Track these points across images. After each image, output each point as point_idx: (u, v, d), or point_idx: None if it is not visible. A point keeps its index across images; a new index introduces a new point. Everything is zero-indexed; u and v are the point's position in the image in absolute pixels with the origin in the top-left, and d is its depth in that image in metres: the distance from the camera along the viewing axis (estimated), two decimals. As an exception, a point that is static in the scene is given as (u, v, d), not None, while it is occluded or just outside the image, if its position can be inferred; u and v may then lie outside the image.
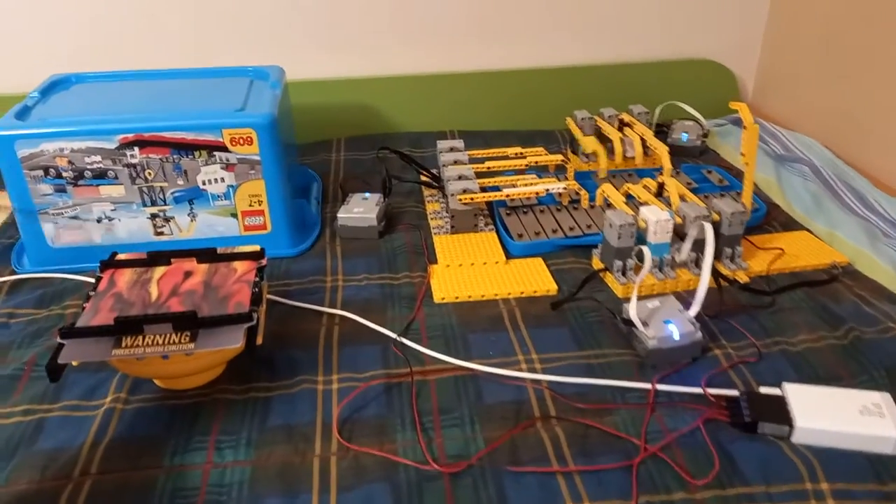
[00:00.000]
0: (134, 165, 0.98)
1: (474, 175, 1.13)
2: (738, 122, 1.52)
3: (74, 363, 0.70)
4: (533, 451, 0.71)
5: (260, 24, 1.41)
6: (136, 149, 0.97)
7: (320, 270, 1.02)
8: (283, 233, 1.06)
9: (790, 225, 1.14)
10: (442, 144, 1.24)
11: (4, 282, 1.00)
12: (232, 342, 0.71)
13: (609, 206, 1.06)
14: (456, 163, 1.18)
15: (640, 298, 0.87)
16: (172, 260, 0.84)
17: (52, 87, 1.10)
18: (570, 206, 1.16)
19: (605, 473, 0.68)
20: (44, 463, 0.70)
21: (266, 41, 1.42)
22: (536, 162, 1.21)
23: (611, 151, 1.28)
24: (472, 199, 1.07)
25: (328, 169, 1.34)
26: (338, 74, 1.47)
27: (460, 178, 1.12)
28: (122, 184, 0.99)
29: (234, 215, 1.03)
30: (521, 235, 1.08)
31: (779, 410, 0.73)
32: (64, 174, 0.97)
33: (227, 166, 1.00)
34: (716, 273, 0.94)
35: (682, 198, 1.05)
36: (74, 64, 1.36)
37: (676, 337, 0.82)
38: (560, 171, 1.26)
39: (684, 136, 1.39)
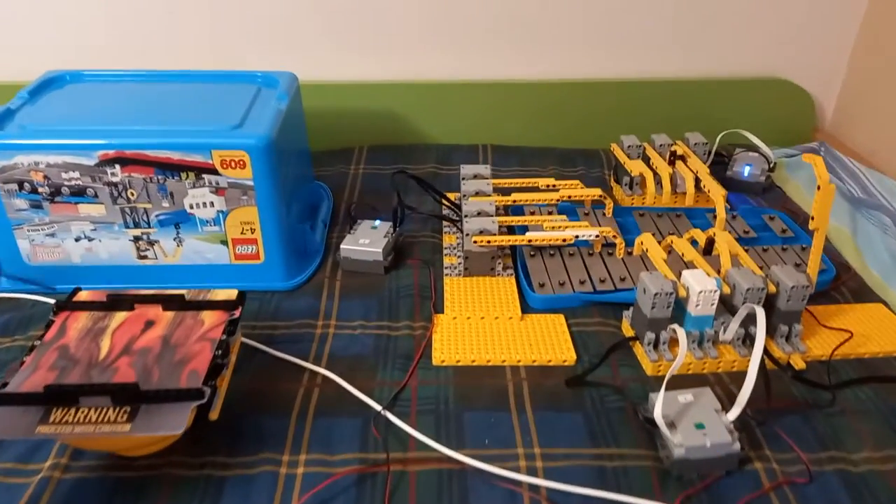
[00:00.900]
0: (115, 184, 0.89)
1: (496, 210, 1.01)
2: (811, 153, 1.34)
3: None
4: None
5: (285, 21, 1.29)
6: (118, 167, 0.87)
7: (313, 312, 0.91)
8: (277, 264, 0.95)
9: (862, 293, 0.97)
10: (466, 170, 1.11)
11: (-23, 299, 0.93)
12: (174, 426, 0.61)
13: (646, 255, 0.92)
14: (478, 194, 1.05)
15: (669, 388, 0.74)
16: (136, 305, 0.75)
17: (44, 87, 1.01)
18: (605, 251, 1.02)
19: None
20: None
21: (289, 40, 1.31)
22: (570, 196, 1.07)
23: (659, 184, 1.13)
24: (488, 241, 0.95)
25: (344, 183, 1.23)
26: (365, 78, 1.35)
27: (479, 214, 0.99)
28: (102, 203, 0.90)
29: (225, 242, 0.93)
30: (542, 285, 0.95)
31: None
32: (40, 189, 0.88)
33: (218, 190, 0.90)
34: (766, 354, 0.79)
35: (735, 257, 0.90)
36: (82, 57, 1.28)
37: (709, 446, 0.69)
38: (597, 206, 1.12)
39: (746, 170, 1.23)
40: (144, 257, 0.94)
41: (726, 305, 0.85)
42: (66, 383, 0.63)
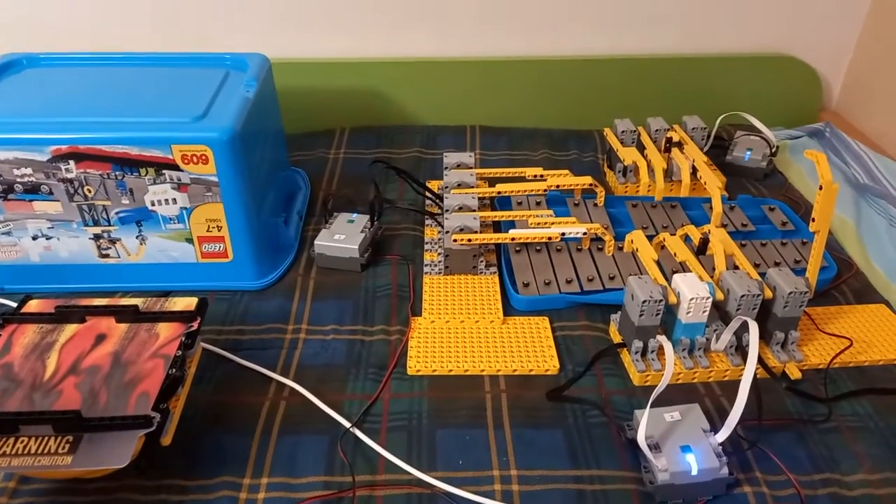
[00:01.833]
0: (70, 181, 0.83)
1: (478, 204, 0.95)
2: (816, 135, 1.28)
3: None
4: None
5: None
6: (72, 162, 0.82)
7: (283, 314, 0.87)
8: (246, 262, 0.90)
9: (865, 293, 0.92)
10: (449, 158, 1.05)
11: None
12: (118, 459, 0.57)
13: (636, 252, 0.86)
14: (460, 185, 0.99)
15: (656, 401, 0.69)
16: (87, 317, 0.70)
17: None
18: (594, 246, 0.96)
19: None
20: None
21: (267, 14, 1.23)
22: (559, 186, 1.02)
23: (653, 172, 1.07)
24: (469, 240, 0.89)
25: (323, 169, 1.17)
26: (347, 55, 1.28)
27: (461, 208, 0.94)
28: (58, 200, 0.85)
29: (190, 240, 0.88)
30: (527, 285, 0.90)
31: None
32: (-9, 186, 0.83)
33: (180, 186, 0.84)
34: (760, 363, 0.75)
35: (731, 258, 0.85)
36: (39, 36, 1.21)
37: (695, 472, 0.64)
38: (588, 195, 1.06)
39: (747, 154, 1.16)
40: (106, 256, 0.89)
41: (719, 311, 0.81)
42: (4, 412, 0.59)
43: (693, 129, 1.11)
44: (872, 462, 0.69)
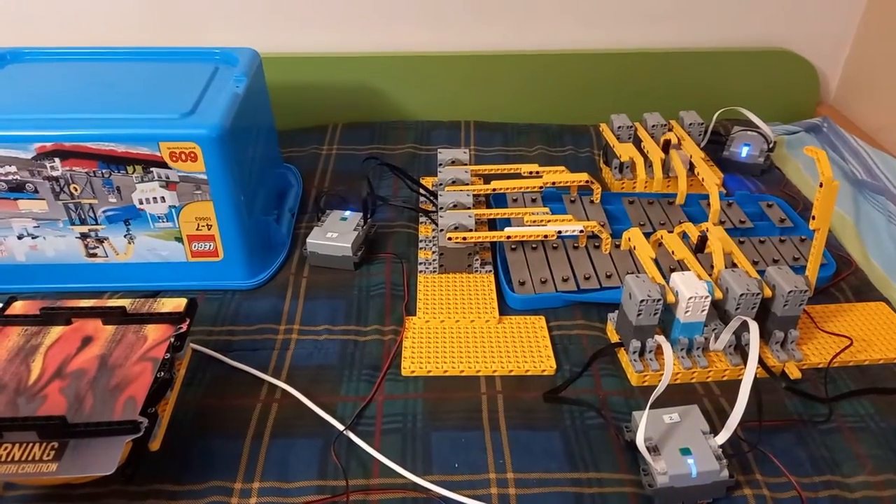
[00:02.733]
0: (56, 179, 0.81)
1: (472, 201, 0.93)
2: (813, 130, 1.27)
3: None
4: None
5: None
6: (57, 160, 0.80)
7: (275, 314, 0.85)
8: (237, 261, 0.89)
9: (864, 290, 0.91)
10: (443, 155, 1.04)
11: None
12: (104, 466, 0.55)
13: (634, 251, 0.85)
14: (455, 182, 0.98)
15: (655, 403, 0.68)
16: (73, 319, 0.69)
17: (-18, 67, 0.93)
18: (591, 243, 0.95)
19: None
20: None
21: (259, 8, 1.21)
22: (555, 183, 1.00)
23: (650, 167, 1.06)
24: (463, 238, 0.88)
25: (316, 165, 1.15)
26: (341, 50, 1.26)
27: (456, 206, 0.92)
28: (44, 198, 0.83)
29: (179, 239, 0.87)
30: (523, 284, 0.88)
31: None
32: (-26, 185, 0.81)
33: (168, 184, 0.82)
34: (759, 363, 0.74)
35: (729, 255, 0.84)
36: (24, 30, 1.18)
37: (694, 475, 0.63)
38: (585, 192, 1.04)
39: (744, 150, 1.15)
40: (94, 255, 0.87)
41: (718, 310, 0.79)
42: (-14, 417, 0.57)
43: (690, 124, 1.10)
44: (874, 463, 0.68)
